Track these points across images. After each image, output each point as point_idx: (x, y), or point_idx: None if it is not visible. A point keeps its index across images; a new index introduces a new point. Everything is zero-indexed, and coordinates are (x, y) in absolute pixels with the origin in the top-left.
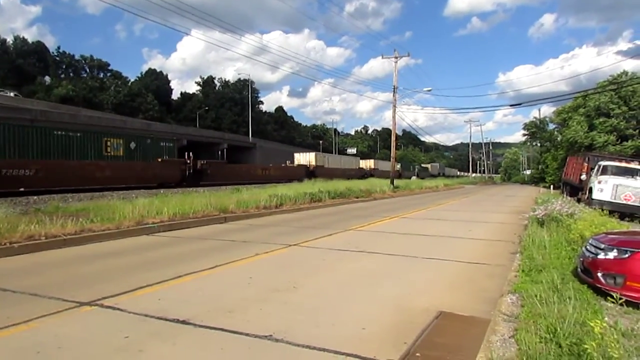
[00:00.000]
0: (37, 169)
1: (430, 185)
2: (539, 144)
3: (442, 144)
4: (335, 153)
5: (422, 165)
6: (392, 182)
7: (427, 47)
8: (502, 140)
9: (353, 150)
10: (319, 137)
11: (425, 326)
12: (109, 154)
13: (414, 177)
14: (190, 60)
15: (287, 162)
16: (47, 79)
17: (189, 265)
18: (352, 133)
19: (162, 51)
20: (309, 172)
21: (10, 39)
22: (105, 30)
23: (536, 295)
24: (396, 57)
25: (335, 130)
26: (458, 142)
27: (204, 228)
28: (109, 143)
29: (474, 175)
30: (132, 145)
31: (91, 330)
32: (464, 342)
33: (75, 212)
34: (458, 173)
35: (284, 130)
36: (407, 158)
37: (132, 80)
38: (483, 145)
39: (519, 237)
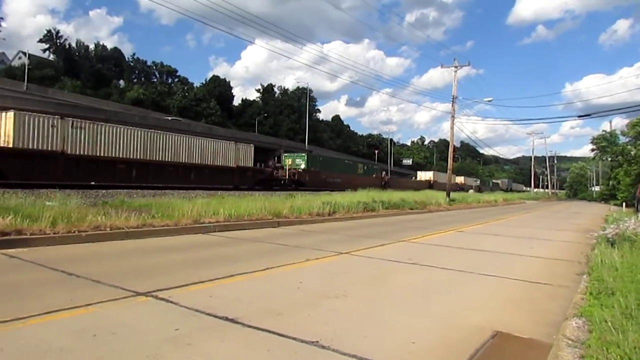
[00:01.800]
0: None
1: (489, 199)
2: (609, 159)
3: (502, 156)
4: (390, 164)
5: (494, 180)
6: (448, 195)
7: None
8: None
9: (408, 161)
10: (375, 147)
11: (480, 345)
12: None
13: (471, 191)
14: (253, 68)
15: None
16: (122, 82)
17: (241, 265)
18: (409, 144)
19: (227, 59)
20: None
21: (92, 46)
22: (177, 39)
23: (606, 321)
24: (456, 67)
25: (391, 140)
26: (519, 155)
27: (258, 231)
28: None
29: (536, 190)
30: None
31: (145, 319)
32: None
33: (139, 207)
34: (524, 188)
35: (340, 138)
36: (464, 170)
37: (197, 85)
38: (547, 158)
39: (586, 257)
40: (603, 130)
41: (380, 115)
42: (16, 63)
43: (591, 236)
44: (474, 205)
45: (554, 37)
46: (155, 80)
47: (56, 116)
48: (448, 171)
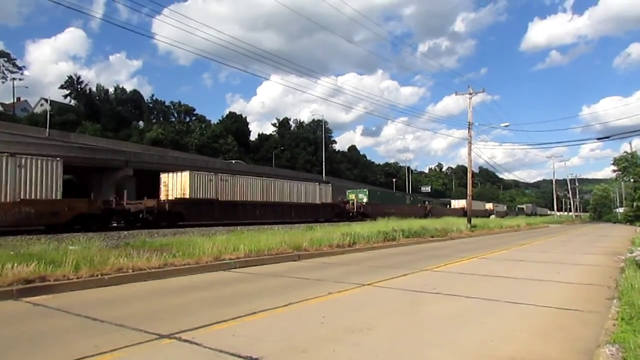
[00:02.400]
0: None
1: (511, 224)
2: (632, 180)
3: (522, 180)
4: (408, 191)
5: (519, 206)
6: (469, 221)
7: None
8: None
9: (427, 189)
10: (392, 175)
11: None
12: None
13: (493, 216)
14: (269, 102)
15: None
16: (141, 123)
17: (263, 302)
18: (426, 171)
19: (243, 95)
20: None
21: (111, 90)
22: (194, 78)
23: None
24: (470, 94)
25: (409, 168)
26: (540, 178)
27: (278, 265)
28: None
29: (559, 214)
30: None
31: None
32: None
33: (160, 246)
34: (548, 212)
35: (357, 168)
36: (484, 195)
37: (214, 122)
38: (568, 181)
39: (615, 281)
40: (624, 152)
41: (396, 143)
42: (38, 110)
43: (619, 259)
44: (496, 230)
45: (569, 62)
46: (174, 119)
47: (211, 173)
48: (468, 197)
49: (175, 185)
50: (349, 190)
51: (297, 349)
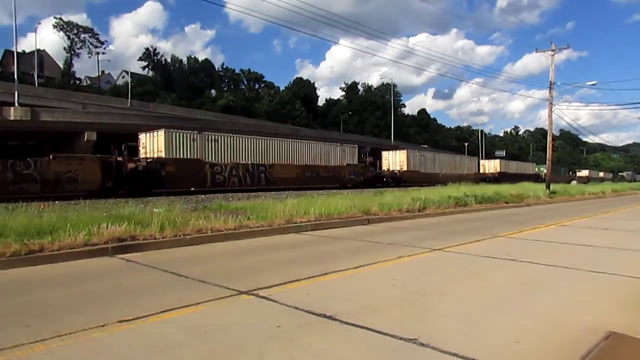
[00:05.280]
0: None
1: (595, 190)
2: None
3: (609, 144)
4: (481, 156)
5: (620, 173)
6: (547, 187)
7: (592, 38)
8: None
9: (502, 153)
10: (464, 140)
11: (592, 347)
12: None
13: (574, 182)
14: (338, 67)
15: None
16: (213, 92)
17: (334, 263)
18: (501, 134)
19: (312, 61)
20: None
21: (185, 60)
22: (265, 45)
23: None
24: (553, 50)
25: (481, 131)
26: (630, 142)
27: (348, 229)
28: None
29: None
30: None
31: (249, 317)
32: None
33: (235, 209)
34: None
35: (427, 133)
36: (564, 161)
37: (282, 89)
38: None
39: None
40: None
41: (470, 106)
42: (120, 82)
43: None
44: (578, 197)
45: None
46: (244, 87)
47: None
48: (548, 162)
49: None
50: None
51: (368, 309)
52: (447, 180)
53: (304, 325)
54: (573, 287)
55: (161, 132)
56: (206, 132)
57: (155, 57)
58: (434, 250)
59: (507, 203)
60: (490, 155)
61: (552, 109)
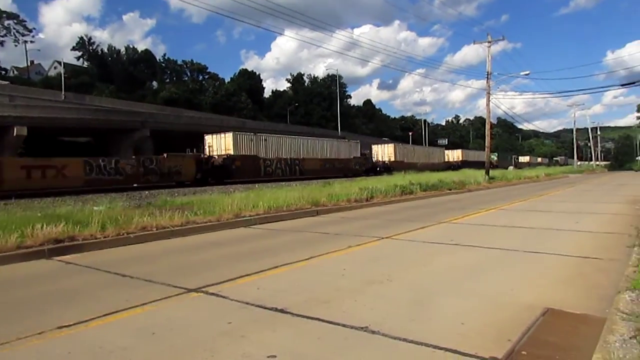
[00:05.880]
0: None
1: (530, 175)
2: None
3: (542, 130)
4: (425, 144)
5: (554, 158)
6: (487, 173)
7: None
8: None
9: (444, 141)
10: (408, 129)
11: (531, 323)
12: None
13: (511, 167)
14: (284, 59)
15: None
16: (155, 84)
17: (284, 256)
18: (443, 123)
19: (257, 52)
20: (386, 167)
21: (123, 50)
22: (208, 36)
23: None
24: (489, 42)
25: (425, 121)
26: (560, 128)
27: (297, 221)
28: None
29: (579, 163)
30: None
31: (198, 315)
32: (576, 341)
33: (181, 205)
34: (579, 163)
35: (372, 123)
36: (502, 147)
37: (227, 81)
38: (589, 130)
39: (636, 229)
40: None
41: (413, 96)
42: (52, 73)
43: None
44: (515, 182)
45: (594, 6)
46: (187, 78)
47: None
48: (486, 149)
49: (220, 145)
50: (374, 145)
51: (320, 300)
52: (423, 168)
53: (256, 320)
54: (512, 267)
55: (229, 134)
56: (260, 134)
57: (91, 47)
58: (382, 238)
59: (450, 190)
60: (433, 144)
61: (490, 98)
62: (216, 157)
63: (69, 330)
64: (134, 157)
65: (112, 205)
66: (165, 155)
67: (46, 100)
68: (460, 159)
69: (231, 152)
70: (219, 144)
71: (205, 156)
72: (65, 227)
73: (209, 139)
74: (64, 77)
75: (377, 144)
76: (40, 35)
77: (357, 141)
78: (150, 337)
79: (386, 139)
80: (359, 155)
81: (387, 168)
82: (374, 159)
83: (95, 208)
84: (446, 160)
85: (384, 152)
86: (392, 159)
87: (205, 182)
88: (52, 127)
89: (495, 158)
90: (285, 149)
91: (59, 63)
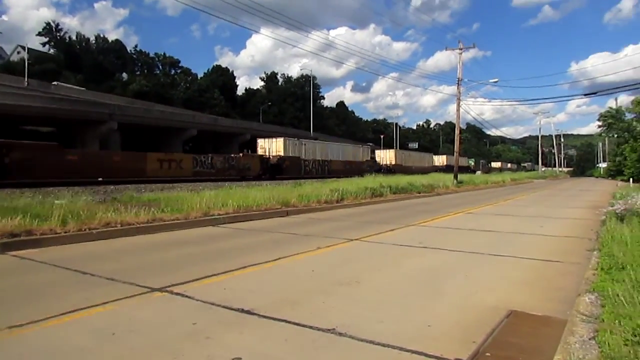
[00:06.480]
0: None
1: (497, 180)
2: (615, 135)
3: (508, 137)
4: (396, 147)
5: (522, 164)
6: (455, 177)
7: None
8: (575, 132)
9: (414, 145)
10: (380, 132)
11: (495, 325)
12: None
13: (478, 172)
14: (259, 57)
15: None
16: (125, 75)
17: (253, 256)
18: (414, 127)
19: (232, 49)
20: (388, 169)
21: (92, 39)
22: (182, 30)
23: (618, 295)
24: (461, 49)
25: (396, 124)
26: (526, 134)
27: (267, 221)
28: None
29: (544, 169)
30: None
31: (162, 315)
32: (538, 342)
33: (148, 201)
34: (544, 169)
35: (345, 125)
36: (470, 152)
37: (200, 76)
38: (554, 137)
39: (596, 234)
40: (609, 107)
41: (386, 100)
42: (15, 58)
43: (600, 212)
44: (482, 186)
45: (560, 18)
46: (159, 72)
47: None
48: (455, 153)
49: (271, 147)
50: (377, 150)
51: (288, 301)
52: (417, 171)
53: (222, 321)
54: (478, 270)
55: (280, 139)
56: (302, 140)
57: (58, 34)
58: (352, 240)
59: (419, 193)
60: (403, 147)
61: (460, 104)
62: (271, 157)
63: (21, 330)
64: (222, 155)
65: (74, 199)
66: (241, 154)
67: (7, 87)
68: (445, 163)
69: (281, 153)
70: (270, 147)
71: (266, 156)
72: (22, 220)
73: (261, 142)
74: (28, 62)
75: (358, 146)
76: (4, 18)
77: (368, 146)
78: (110, 337)
79: (370, 144)
80: (369, 158)
81: (389, 170)
82: (382, 162)
83: (56, 201)
84: (434, 164)
85: (386, 156)
86: (394, 162)
87: (260, 178)
88: (14, 115)
89: (473, 163)
90: (317, 152)
91: (23, 48)
